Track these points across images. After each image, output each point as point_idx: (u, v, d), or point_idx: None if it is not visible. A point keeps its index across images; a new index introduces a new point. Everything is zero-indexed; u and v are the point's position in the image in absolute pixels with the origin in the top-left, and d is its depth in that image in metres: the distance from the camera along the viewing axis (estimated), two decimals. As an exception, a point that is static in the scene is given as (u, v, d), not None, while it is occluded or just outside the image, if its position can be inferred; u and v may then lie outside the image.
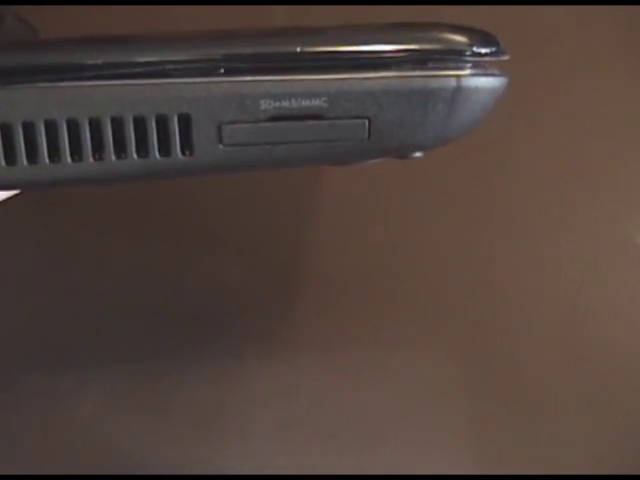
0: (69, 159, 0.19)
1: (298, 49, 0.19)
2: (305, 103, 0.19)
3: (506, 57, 0.20)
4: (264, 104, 0.19)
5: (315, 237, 0.31)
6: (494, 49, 0.20)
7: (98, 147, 0.19)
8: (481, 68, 0.20)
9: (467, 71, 0.20)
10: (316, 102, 0.19)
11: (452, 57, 0.20)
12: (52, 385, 0.30)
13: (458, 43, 0.20)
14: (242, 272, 0.30)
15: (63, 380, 0.30)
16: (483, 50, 0.20)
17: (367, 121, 0.20)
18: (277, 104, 0.19)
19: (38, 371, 0.30)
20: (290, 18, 0.29)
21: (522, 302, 0.31)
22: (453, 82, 0.20)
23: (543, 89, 0.29)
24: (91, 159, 0.19)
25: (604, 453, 0.31)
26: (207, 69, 0.19)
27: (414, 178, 0.30)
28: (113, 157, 0.19)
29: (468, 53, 0.20)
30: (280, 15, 0.29)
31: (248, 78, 0.19)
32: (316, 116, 0.20)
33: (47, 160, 0.19)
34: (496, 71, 0.21)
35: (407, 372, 0.31)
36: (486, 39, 0.20)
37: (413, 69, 0.20)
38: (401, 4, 0.29)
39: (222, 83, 0.19)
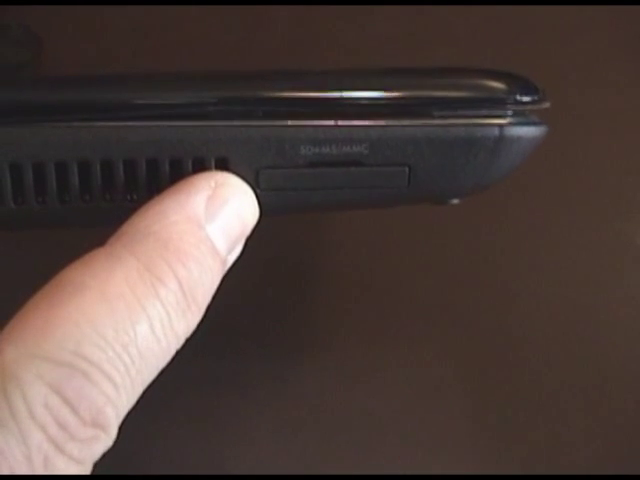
0: (101, 200, 0.18)
1: (340, 94, 0.19)
2: (346, 149, 0.19)
3: (547, 105, 0.20)
4: (304, 150, 0.19)
5: (315, 237, 0.31)
6: (536, 97, 0.20)
7: (132, 189, 0.18)
8: (523, 116, 0.20)
9: (509, 119, 0.19)
10: (357, 149, 0.19)
11: (495, 105, 0.19)
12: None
13: (501, 91, 0.19)
14: (242, 272, 0.30)
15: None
16: (525, 98, 0.20)
17: (407, 169, 0.19)
18: (317, 150, 0.19)
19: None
20: (290, 18, 0.29)
21: (522, 302, 0.31)
22: (496, 131, 0.19)
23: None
24: (124, 200, 0.18)
25: (604, 453, 0.31)
26: (247, 112, 0.18)
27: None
28: (146, 199, 0.18)
29: (510, 101, 0.19)
30: (280, 15, 0.29)
31: (289, 122, 0.19)
32: (356, 163, 0.19)
33: (79, 200, 0.18)
34: (537, 119, 0.20)
35: (407, 372, 0.31)
36: (528, 87, 0.20)
37: (456, 117, 0.19)
38: (402, 4, 0.29)
39: (262, 127, 0.18)
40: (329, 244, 0.31)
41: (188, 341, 0.17)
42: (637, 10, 0.29)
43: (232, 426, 0.31)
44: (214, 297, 0.18)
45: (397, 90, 0.19)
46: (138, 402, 0.16)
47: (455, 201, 0.21)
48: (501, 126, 0.19)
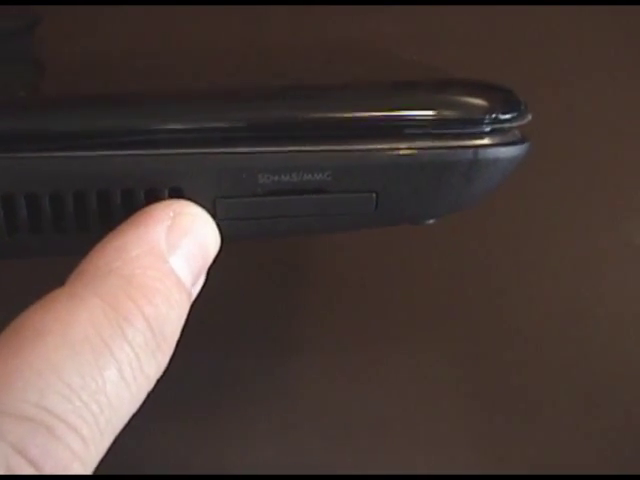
0: (51, 232, 0.17)
1: (299, 116, 0.17)
2: (307, 177, 0.17)
3: (529, 119, 0.18)
4: (262, 178, 0.17)
5: (315, 237, 0.31)
6: (515, 113, 0.18)
7: (82, 221, 0.17)
8: (501, 135, 0.18)
9: (486, 140, 0.18)
10: (319, 176, 0.17)
11: (469, 125, 0.17)
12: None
13: (476, 109, 0.17)
14: (242, 272, 0.30)
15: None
16: (503, 116, 0.18)
17: (375, 195, 0.18)
18: (276, 178, 0.17)
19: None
20: (290, 18, 0.29)
21: (522, 302, 0.31)
22: (470, 154, 0.17)
23: (542, 89, 0.29)
24: (75, 232, 0.17)
25: (604, 453, 0.31)
26: (200, 139, 0.17)
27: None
28: (97, 232, 0.17)
29: (487, 120, 0.17)
30: (280, 15, 0.29)
31: (245, 149, 0.17)
32: (319, 190, 0.17)
33: (27, 233, 0.17)
34: (518, 136, 0.18)
35: (407, 371, 0.31)
36: (507, 101, 0.18)
37: (426, 139, 0.17)
38: (401, 4, 0.29)
39: (217, 155, 0.17)
40: (328, 245, 0.31)
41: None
42: (637, 10, 0.29)
43: (232, 426, 0.31)
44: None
45: (361, 110, 0.17)
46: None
47: (430, 221, 0.20)
48: (476, 148, 0.18)
